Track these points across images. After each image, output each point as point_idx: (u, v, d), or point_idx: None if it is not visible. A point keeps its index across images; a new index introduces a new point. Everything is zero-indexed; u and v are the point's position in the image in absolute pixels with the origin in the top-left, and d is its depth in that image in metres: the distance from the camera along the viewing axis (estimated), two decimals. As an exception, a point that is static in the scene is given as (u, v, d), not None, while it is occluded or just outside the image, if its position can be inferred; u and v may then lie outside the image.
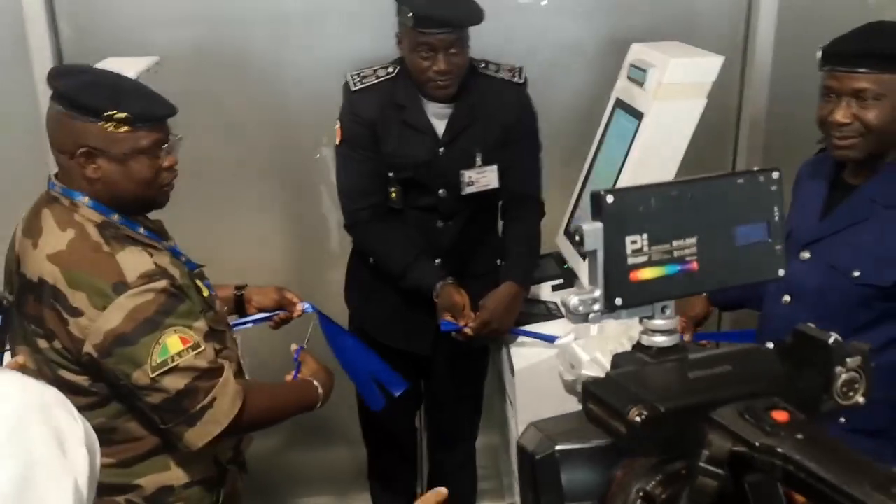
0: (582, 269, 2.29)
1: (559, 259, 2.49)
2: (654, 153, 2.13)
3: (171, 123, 1.63)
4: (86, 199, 1.56)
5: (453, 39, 2.15)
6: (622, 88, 2.33)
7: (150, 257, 1.54)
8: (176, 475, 1.63)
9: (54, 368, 1.53)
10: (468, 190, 2.30)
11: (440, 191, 2.30)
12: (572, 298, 0.80)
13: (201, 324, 1.56)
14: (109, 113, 1.50)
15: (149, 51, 2.44)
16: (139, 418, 1.57)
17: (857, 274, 1.72)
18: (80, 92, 1.52)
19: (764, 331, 1.96)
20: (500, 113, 2.30)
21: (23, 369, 1.46)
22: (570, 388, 2.21)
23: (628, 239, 0.79)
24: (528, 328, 2.30)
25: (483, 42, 2.61)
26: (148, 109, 1.55)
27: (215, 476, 1.70)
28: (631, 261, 0.79)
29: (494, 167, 2.30)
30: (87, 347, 1.46)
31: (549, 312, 2.32)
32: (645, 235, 0.80)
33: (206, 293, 1.69)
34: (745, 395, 0.76)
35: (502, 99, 2.31)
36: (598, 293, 0.79)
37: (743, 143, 2.81)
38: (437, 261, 2.32)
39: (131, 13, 2.58)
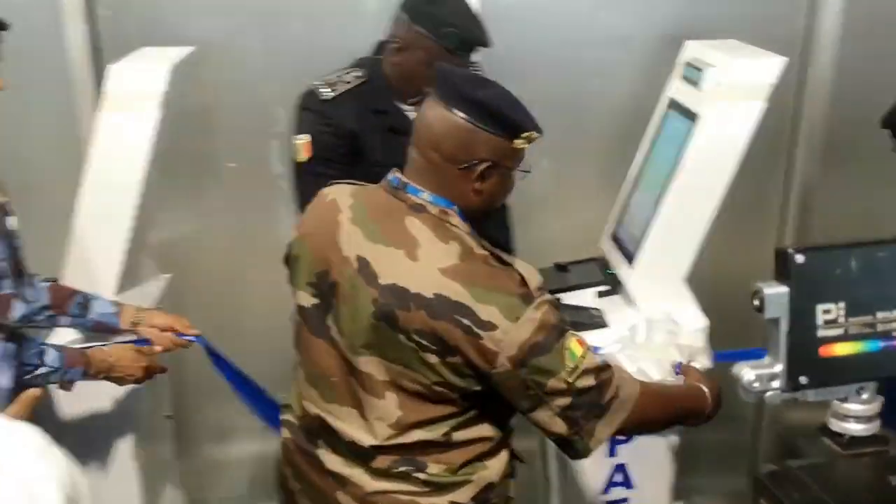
0: (627, 275, 2.20)
1: (603, 264, 2.40)
2: (709, 158, 2.05)
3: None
4: (455, 209, 1.52)
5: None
6: (676, 88, 2.24)
7: (535, 269, 1.56)
8: (493, 471, 1.61)
9: (432, 382, 1.49)
10: None
11: None
12: (747, 373, 0.70)
13: None
14: (527, 133, 1.50)
15: (184, 41, 2.38)
16: (489, 421, 1.57)
17: None
18: (505, 107, 1.50)
19: None
20: None
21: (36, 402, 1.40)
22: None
23: (820, 307, 0.71)
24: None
25: (526, 36, 2.53)
26: (538, 126, 1.54)
27: (513, 470, 1.69)
28: (822, 333, 0.71)
29: None
30: (502, 359, 1.43)
31: (593, 320, 2.23)
32: (842, 304, 0.72)
33: None
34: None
35: None
36: (778, 368, 0.70)
37: (801, 149, 2.69)
38: None
39: (168, 2, 2.53)
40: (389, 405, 1.52)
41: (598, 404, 1.47)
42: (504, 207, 2.34)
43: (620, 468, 2.30)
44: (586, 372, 1.45)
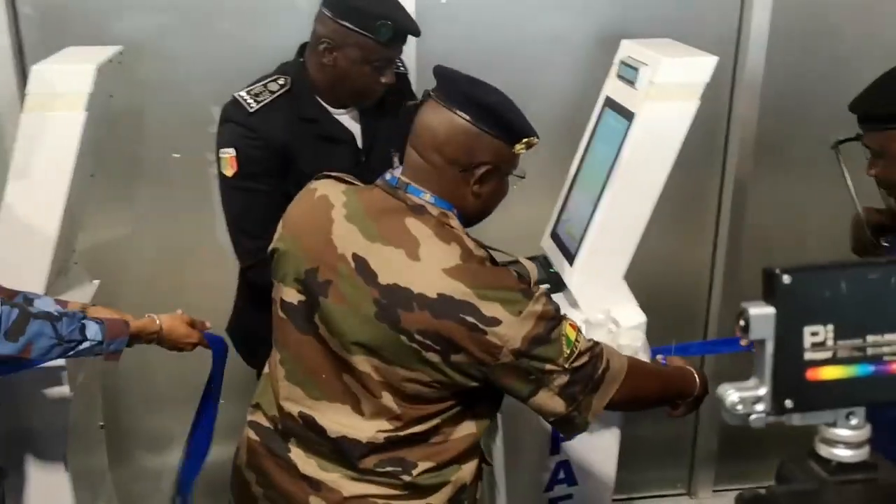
0: (568, 274, 2.21)
1: (545, 262, 2.40)
2: (645, 155, 2.06)
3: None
4: (454, 211, 1.55)
5: None
6: (612, 87, 2.25)
7: (531, 263, 1.63)
8: (466, 473, 1.64)
9: (432, 379, 1.50)
10: None
11: None
12: (731, 395, 0.68)
13: None
14: (528, 139, 1.54)
15: (111, 40, 2.31)
16: (473, 417, 1.60)
17: None
18: (512, 112, 1.53)
19: None
20: (398, 107, 2.17)
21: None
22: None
23: (808, 329, 0.67)
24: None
25: (464, 35, 2.52)
26: (535, 131, 1.58)
27: (480, 473, 1.72)
28: (809, 356, 0.68)
29: None
30: (505, 353, 1.47)
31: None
32: (830, 327, 0.67)
33: None
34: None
35: (396, 92, 2.21)
36: (763, 391, 0.69)
37: (734, 145, 2.74)
38: None
39: (94, 1, 2.45)
40: (387, 402, 1.52)
41: (592, 378, 1.53)
42: None
43: (563, 465, 2.32)
44: (581, 353, 1.52)
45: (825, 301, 0.66)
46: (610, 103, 2.23)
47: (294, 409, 1.60)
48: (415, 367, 1.49)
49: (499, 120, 1.50)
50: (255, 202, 2.11)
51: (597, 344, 1.57)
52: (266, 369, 1.73)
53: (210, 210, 2.67)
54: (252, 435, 1.69)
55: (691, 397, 1.78)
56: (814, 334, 0.67)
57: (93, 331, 1.77)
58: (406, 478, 1.57)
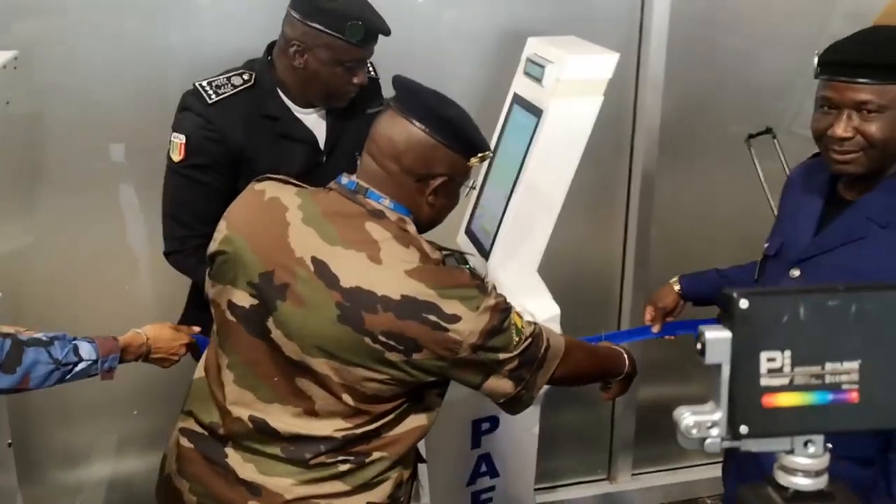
0: (483, 268, 2.23)
1: (461, 258, 2.41)
2: (554, 151, 2.10)
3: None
4: (411, 217, 1.59)
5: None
6: (520, 84, 2.28)
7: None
8: (406, 471, 1.69)
9: (390, 378, 1.53)
10: None
11: None
12: (686, 418, 0.68)
13: None
14: (483, 153, 1.61)
15: (5, 44, 2.23)
16: (421, 411, 1.65)
17: None
18: (469, 126, 1.59)
19: None
20: (366, 111, 2.20)
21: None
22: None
23: (764, 355, 0.66)
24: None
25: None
26: (488, 144, 1.66)
27: (414, 469, 1.77)
28: (766, 382, 0.66)
29: None
30: (464, 347, 1.52)
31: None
32: (787, 353, 0.66)
33: None
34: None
35: (366, 96, 2.21)
36: (718, 415, 0.67)
37: (640, 139, 2.81)
38: None
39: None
40: (346, 403, 1.54)
41: (537, 358, 1.62)
42: None
43: (485, 458, 2.34)
44: (526, 338, 1.60)
45: (783, 327, 0.66)
46: (518, 100, 2.26)
47: (244, 412, 1.59)
48: (376, 367, 1.52)
49: (457, 133, 1.55)
50: (194, 192, 2.10)
51: (536, 325, 1.65)
52: (197, 374, 1.71)
53: (118, 215, 2.61)
54: (185, 442, 1.67)
55: (622, 375, 1.91)
56: (770, 360, 0.66)
57: (86, 350, 1.72)
58: (358, 473, 1.60)
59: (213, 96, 2.08)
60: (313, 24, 2.03)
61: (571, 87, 2.06)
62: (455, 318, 1.50)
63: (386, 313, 1.48)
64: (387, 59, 2.25)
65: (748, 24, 2.82)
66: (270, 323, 1.55)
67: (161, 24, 2.46)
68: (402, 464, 1.66)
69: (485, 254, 2.23)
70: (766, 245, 1.88)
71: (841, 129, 1.59)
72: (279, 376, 1.57)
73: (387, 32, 2.11)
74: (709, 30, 2.79)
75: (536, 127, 2.09)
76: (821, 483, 0.69)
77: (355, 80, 2.10)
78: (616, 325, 3.05)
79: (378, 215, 1.55)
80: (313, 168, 2.14)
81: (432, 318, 1.49)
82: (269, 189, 1.64)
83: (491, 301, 1.54)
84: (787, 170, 2.37)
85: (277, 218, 1.57)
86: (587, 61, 2.09)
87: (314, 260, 1.52)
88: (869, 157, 1.60)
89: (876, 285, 0.70)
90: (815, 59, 1.62)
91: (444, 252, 1.62)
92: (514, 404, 1.66)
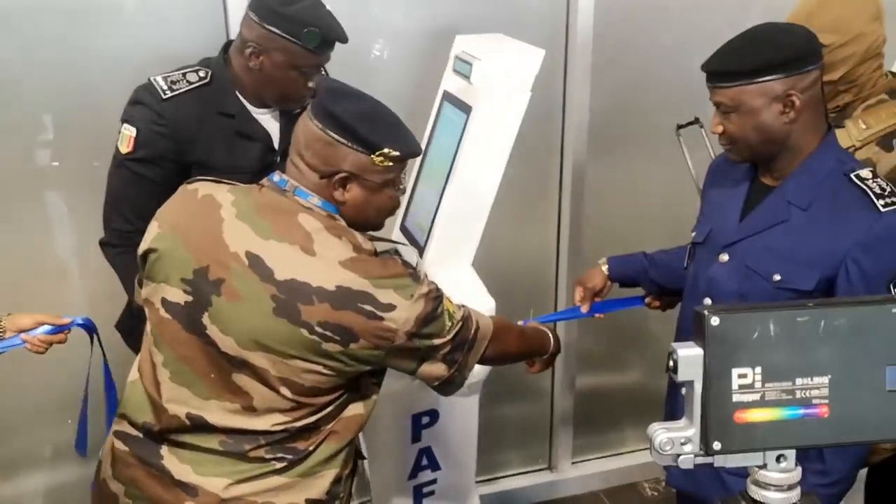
0: (419, 264, 2.25)
1: (394, 251, 2.43)
2: (484, 147, 2.13)
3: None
4: (338, 214, 1.61)
5: None
6: (449, 81, 2.30)
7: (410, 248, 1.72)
8: (345, 468, 1.71)
9: (328, 368, 1.55)
10: None
11: None
12: (660, 435, 0.69)
13: None
14: (387, 151, 1.57)
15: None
16: (359, 400, 1.67)
17: (777, 278, 1.72)
18: (360, 122, 1.56)
19: (683, 328, 1.99)
20: None
21: None
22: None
23: (736, 372, 0.67)
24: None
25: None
26: (413, 148, 1.65)
27: (354, 466, 1.78)
28: (737, 398, 0.67)
29: None
30: (400, 335, 1.55)
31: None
32: (758, 369, 0.67)
33: None
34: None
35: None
36: (691, 432, 0.68)
37: (570, 133, 2.85)
38: None
39: None
40: (284, 396, 1.55)
41: (466, 339, 1.67)
42: None
43: (426, 451, 2.36)
44: (457, 323, 1.64)
45: (753, 343, 0.66)
46: (448, 97, 2.28)
47: (180, 410, 1.59)
48: (314, 358, 1.53)
49: (348, 130, 1.55)
50: (139, 187, 2.08)
51: (465, 307, 1.70)
52: (131, 377, 1.70)
53: (44, 220, 2.56)
54: (119, 445, 1.66)
55: (547, 354, 2.02)
56: (742, 376, 0.67)
57: None
58: (297, 466, 1.61)
59: (168, 92, 2.08)
60: (270, 28, 2.04)
61: (499, 84, 2.09)
62: (390, 307, 1.52)
63: (322, 304, 1.50)
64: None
65: (672, 19, 2.89)
66: (206, 319, 1.55)
67: (83, 27, 2.42)
68: (341, 459, 1.68)
69: (420, 250, 2.25)
70: (693, 233, 1.94)
71: (713, 126, 1.78)
72: (215, 372, 1.57)
73: (344, 40, 2.12)
74: (633, 25, 2.85)
75: (466, 123, 2.12)
76: (793, 497, 0.70)
77: (310, 85, 2.09)
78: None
79: (308, 211, 1.58)
80: (267, 167, 2.14)
81: (367, 307, 1.51)
82: (202, 188, 1.65)
83: (424, 289, 1.57)
84: (713, 158, 2.44)
85: (211, 214, 1.59)
86: (514, 58, 2.13)
87: (248, 254, 1.54)
88: (738, 149, 1.77)
89: (844, 301, 0.72)
90: None
91: (383, 248, 1.63)
92: (447, 386, 1.71)
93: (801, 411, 0.68)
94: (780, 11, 2.06)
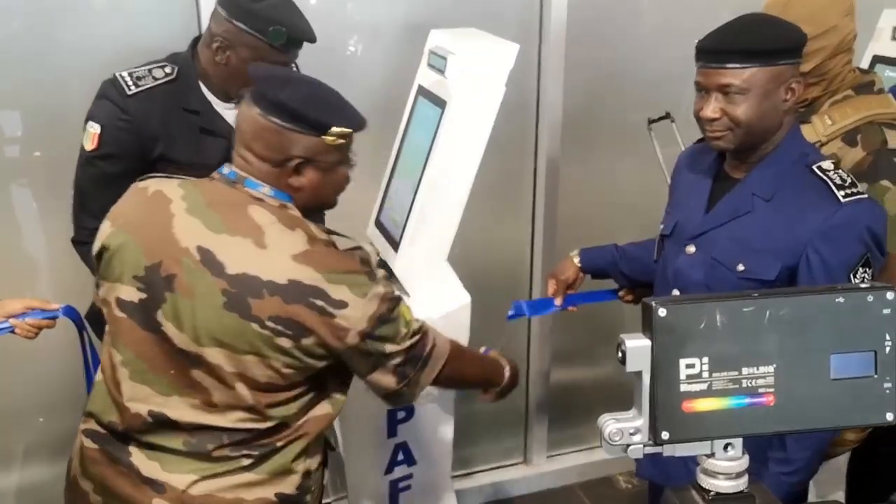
0: (393, 260, 2.25)
1: (360, 250, 2.43)
2: (459, 142, 2.12)
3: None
4: (293, 202, 1.59)
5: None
6: (424, 76, 2.30)
7: (368, 246, 1.64)
8: (312, 460, 1.68)
9: (283, 366, 1.53)
10: None
11: None
12: (609, 425, 0.69)
13: None
14: (337, 129, 1.55)
15: None
16: (326, 399, 1.65)
17: (741, 268, 1.74)
18: (307, 106, 1.54)
19: None
20: None
21: None
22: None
23: (683, 362, 0.67)
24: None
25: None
26: (360, 121, 1.62)
27: (324, 458, 1.77)
28: (685, 388, 0.68)
29: None
30: (352, 334, 1.52)
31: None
32: (705, 359, 0.68)
33: None
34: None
35: None
36: (640, 422, 0.68)
37: (544, 128, 2.87)
38: None
39: None
40: (241, 393, 1.54)
41: (421, 356, 1.64)
42: None
43: (402, 447, 2.36)
44: (414, 332, 1.62)
45: (701, 334, 0.67)
46: (423, 92, 2.28)
47: (142, 408, 1.57)
48: (266, 353, 1.52)
49: (295, 115, 1.53)
50: (106, 184, 2.06)
51: (424, 324, 1.67)
52: (97, 376, 1.69)
53: (11, 215, 2.53)
54: (88, 443, 1.65)
55: (501, 387, 1.97)
56: (689, 366, 0.67)
57: None
58: (263, 464, 1.60)
59: (133, 87, 2.07)
60: (238, 24, 2.04)
61: (473, 79, 2.09)
62: (342, 304, 1.50)
63: (273, 298, 1.48)
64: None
65: (645, 14, 2.91)
66: (160, 315, 1.54)
67: (44, 25, 2.38)
68: (310, 454, 1.67)
69: (395, 244, 2.25)
70: (661, 226, 1.96)
71: (709, 111, 1.71)
72: (175, 369, 1.56)
73: (312, 40, 2.12)
74: (607, 20, 2.87)
75: (441, 118, 2.12)
76: (741, 485, 0.71)
77: None
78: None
79: (258, 202, 1.56)
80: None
81: (319, 302, 1.49)
82: (153, 185, 1.64)
83: (379, 289, 1.54)
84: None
85: (162, 210, 1.57)
86: (488, 53, 2.13)
87: (199, 249, 1.52)
88: (736, 136, 1.72)
89: (789, 290, 0.73)
90: (694, 49, 1.74)
91: (347, 246, 1.61)
92: (393, 399, 1.68)
93: (748, 400, 0.69)
94: (752, 8, 2.08)
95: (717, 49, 1.68)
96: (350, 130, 1.58)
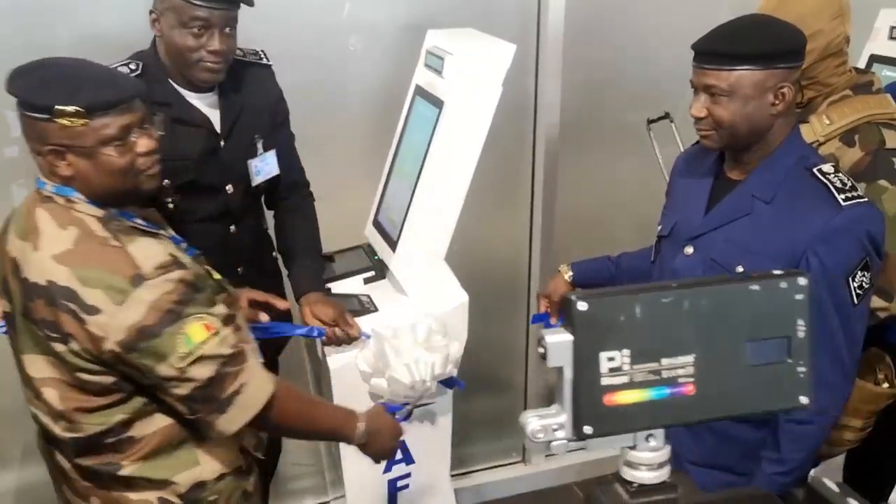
0: (391, 259, 2.26)
1: (369, 250, 2.44)
2: (456, 141, 2.13)
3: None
4: (81, 196, 1.51)
5: (230, 17, 2.03)
6: (421, 76, 2.30)
7: (163, 247, 1.50)
8: (206, 469, 1.61)
9: (73, 371, 1.48)
10: (258, 180, 2.20)
11: (227, 187, 2.16)
12: (532, 422, 0.69)
13: (220, 308, 1.53)
14: (60, 108, 1.44)
15: None
16: (165, 412, 1.55)
17: (740, 269, 1.74)
18: (31, 92, 1.47)
19: None
20: (263, 97, 2.21)
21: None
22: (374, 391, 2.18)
23: (603, 355, 0.67)
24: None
25: (272, 27, 2.50)
26: (101, 97, 1.47)
27: (244, 465, 1.69)
28: (606, 381, 0.67)
29: (273, 153, 2.23)
30: (109, 345, 1.42)
31: (363, 306, 2.26)
32: (626, 351, 0.67)
33: (216, 276, 1.68)
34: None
35: (260, 82, 2.21)
36: (563, 417, 0.68)
37: (542, 128, 2.87)
38: (239, 269, 2.22)
39: None
40: (51, 399, 1.52)
41: (216, 399, 1.48)
42: (307, 197, 2.35)
43: (400, 446, 2.36)
44: (202, 360, 1.45)
45: (621, 326, 0.67)
46: (420, 92, 2.28)
47: (34, 411, 1.63)
48: (51, 358, 1.50)
49: (24, 104, 1.48)
50: None
51: (238, 360, 1.50)
52: None
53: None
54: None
55: (351, 440, 1.78)
56: (610, 359, 0.67)
57: None
58: (120, 474, 1.58)
59: None
60: None
61: (470, 79, 2.10)
62: (94, 310, 1.42)
63: (39, 301, 1.46)
64: (288, 53, 2.25)
65: (643, 15, 2.91)
66: (13, 328, 1.59)
67: (14, 22, 2.38)
68: (198, 461, 1.61)
69: (392, 244, 2.26)
70: (659, 227, 1.97)
71: (695, 110, 1.73)
72: (27, 378, 1.59)
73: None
74: (605, 20, 2.88)
75: (438, 118, 2.12)
76: (663, 475, 0.71)
77: (209, 48, 2.02)
78: (525, 311, 3.11)
79: (45, 200, 1.54)
80: (211, 153, 2.13)
81: (72, 306, 1.42)
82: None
83: (145, 296, 1.41)
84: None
85: (5, 226, 1.61)
86: (485, 53, 2.13)
87: (12, 259, 1.55)
88: (720, 136, 1.73)
89: (706, 280, 0.73)
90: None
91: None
92: (197, 427, 1.56)
93: (668, 391, 0.69)
94: (749, 9, 2.09)
95: (706, 50, 1.70)
96: (80, 109, 1.44)
